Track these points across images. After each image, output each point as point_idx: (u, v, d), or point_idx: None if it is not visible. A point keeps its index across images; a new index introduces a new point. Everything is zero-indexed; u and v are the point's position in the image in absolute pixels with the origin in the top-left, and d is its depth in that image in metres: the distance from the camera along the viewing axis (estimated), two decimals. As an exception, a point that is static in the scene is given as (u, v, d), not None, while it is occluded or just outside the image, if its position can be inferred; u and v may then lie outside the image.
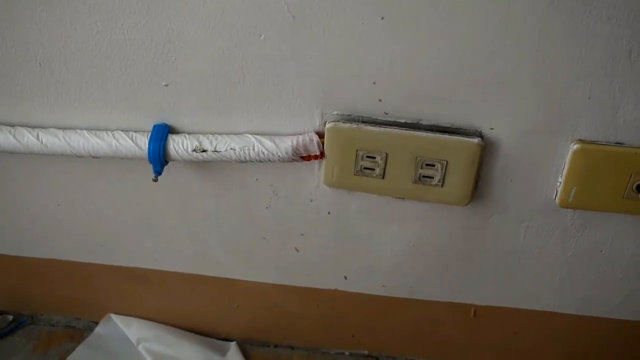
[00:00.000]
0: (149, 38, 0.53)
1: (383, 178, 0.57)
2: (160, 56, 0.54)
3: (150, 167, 0.57)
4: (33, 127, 0.59)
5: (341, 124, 0.55)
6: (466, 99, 0.52)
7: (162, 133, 0.57)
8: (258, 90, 0.55)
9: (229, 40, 0.52)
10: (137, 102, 0.57)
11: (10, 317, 0.81)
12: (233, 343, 0.78)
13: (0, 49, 0.55)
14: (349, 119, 0.55)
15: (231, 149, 0.56)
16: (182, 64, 0.54)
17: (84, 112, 0.59)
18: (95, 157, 0.59)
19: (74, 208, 0.68)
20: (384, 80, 0.52)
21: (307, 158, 0.57)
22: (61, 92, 0.58)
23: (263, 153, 0.56)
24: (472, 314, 0.70)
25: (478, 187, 0.58)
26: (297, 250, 0.68)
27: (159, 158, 0.57)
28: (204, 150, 0.56)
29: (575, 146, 0.53)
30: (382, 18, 0.49)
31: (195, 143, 0.57)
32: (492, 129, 0.54)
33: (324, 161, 0.57)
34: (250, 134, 0.57)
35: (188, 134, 0.58)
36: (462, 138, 0.53)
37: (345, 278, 0.70)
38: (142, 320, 0.78)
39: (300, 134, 0.56)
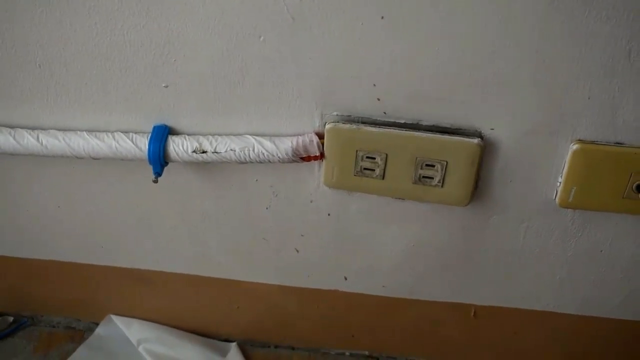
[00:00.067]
0: (148, 39, 0.53)
1: (383, 179, 0.57)
2: (160, 57, 0.54)
3: (150, 168, 0.57)
4: (33, 128, 0.59)
5: (341, 125, 0.55)
6: (466, 99, 0.52)
7: (162, 134, 0.57)
8: (258, 92, 0.55)
9: (228, 41, 0.52)
10: (137, 104, 0.57)
11: (11, 319, 0.81)
12: (233, 344, 0.78)
13: (0, 51, 0.55)
14: (349, 119, 0.55)
15: (231, 150, 0.56)
16: (181, 65, 0.54)
17: (83, 113, 0.59)
18: (95, 159, 0.59)
19: (74, 209, 0.68)
20: (384, 81, 0.52)
21: (307, 159, 0.57)
22: (61, 93, 0.58)
23: (263, 154, 0.56)
24: (472, 314, 0.70)
25: (478, 187, 0.58)
26: (297, 251, 0.68)
27: (159, 159, 0.57)
28: (204, 152, 0.56)
29: (575, 146, 0.53)
30: (382, 18, 0.49)
31: (195, 144, 0.57)
32: (492, 129, 0.54)
33: (323, 162, 0.57)
34: (250, 135, 0.57)
35: (188, 135, 0.58)
36: (462, 138, 0.53)
37: (346, 279, 0.70)
38: (142, 321, 0.78)
39: (300, 135, 0.56)
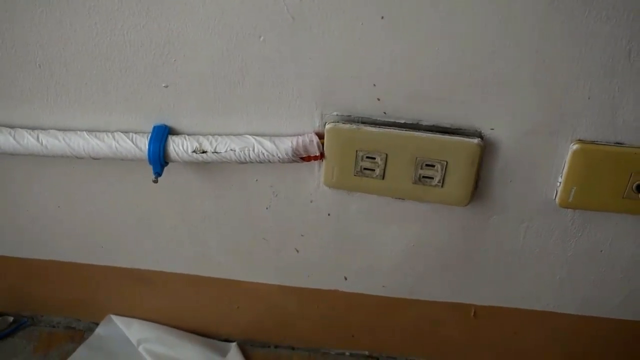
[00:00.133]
0: (148, 39, 0.53)
1: (383, 179, 0.57)
2: (160, 57, 0.54)
3: (150, 168, 0.57)
4: (33, 128, 0.59)
5: (341, 125, 0.55)
6: (466, 99, 0.52)
7: (162, 134, 0.57)
8: (258, 92, 0.55)
9: (228, 41, 0.52)
10: (137, 104, 0.57)
11: (11, 319, 0.81)
12: (233, 344, 0.78)
13: (0, 51, 0.55)
14: (349, 119, 0.55)
15: (231, 150, 0.56)
16: (181, 65, 0.54)
17: (83, 113, 0.59)
18: (95, 159, 0.59)
19: (74, 209, 0.68)
20: (384, 81, 0.52)
21: (307, 159, 0.57)
22: (61, 93, 0.58)
23: (263, 154, 0.56)
24: (472, 314, 0.70)
25: (478, 187, 0.58)
26: (297, 251, 0.68)
27: (159, 159, 0.57)
28: (204, 152, 0.56)
29: (575, 146, 0.53)
30: (382, 18, 0.49)
31: (195, 144, 0.57)
32: (492, 129, 0.54)
33: (323, 162, 0.57)
34: (250, 135, 0.57)
35: (188, 135, 0.58)
36: (462, 138, 0.53)
37: (346, 279, 0.70)
38: (142, 321, 0.78)
39: (300, 135, 0.56)
